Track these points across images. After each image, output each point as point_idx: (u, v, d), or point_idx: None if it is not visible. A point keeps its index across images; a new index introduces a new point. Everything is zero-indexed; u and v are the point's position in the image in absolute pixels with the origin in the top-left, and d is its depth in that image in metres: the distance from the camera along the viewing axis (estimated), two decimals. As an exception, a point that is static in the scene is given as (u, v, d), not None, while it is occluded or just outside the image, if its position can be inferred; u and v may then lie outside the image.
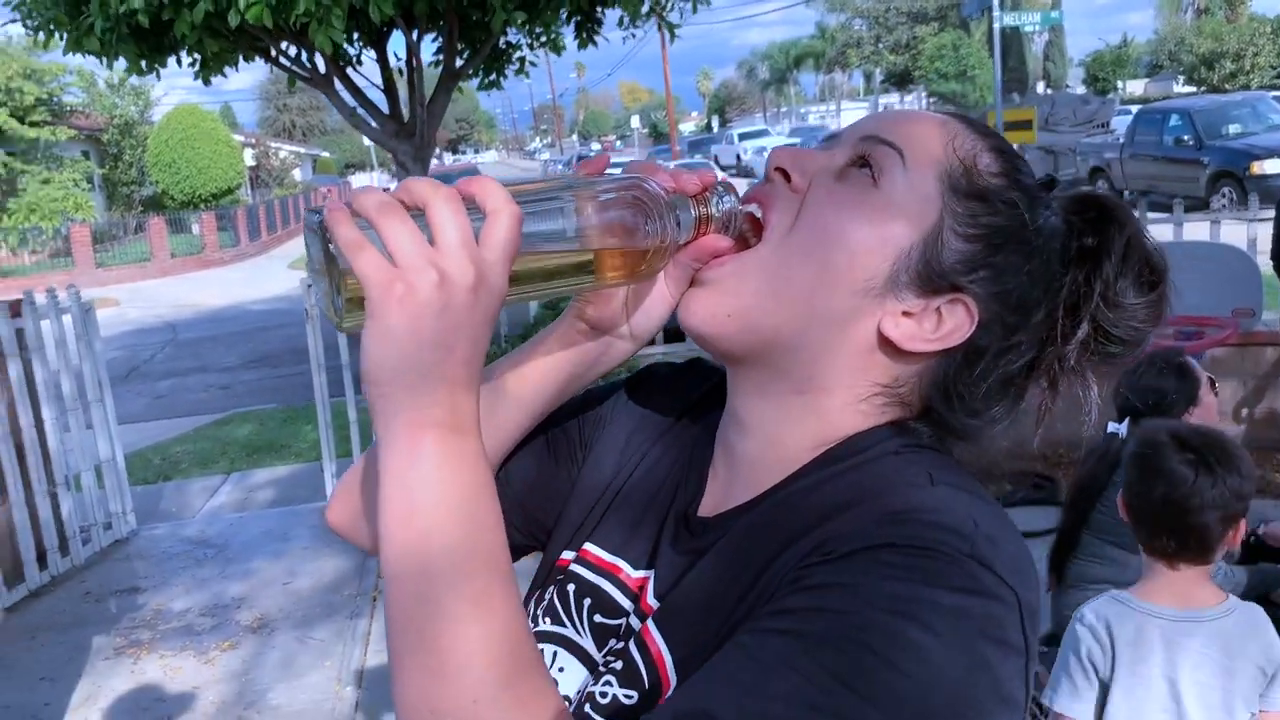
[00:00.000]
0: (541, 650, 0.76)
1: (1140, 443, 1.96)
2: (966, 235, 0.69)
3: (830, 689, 0.53)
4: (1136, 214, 5.22)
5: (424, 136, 7.43)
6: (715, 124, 61.30)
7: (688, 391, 0.88)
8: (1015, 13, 16.94)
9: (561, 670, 0.75)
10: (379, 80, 7.64)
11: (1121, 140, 16.21)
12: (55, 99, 24.29)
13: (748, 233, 0.72)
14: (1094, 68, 44.23)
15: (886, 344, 0.69)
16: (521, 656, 0.56)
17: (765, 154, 1.20)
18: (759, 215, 0.72)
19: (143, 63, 6.76)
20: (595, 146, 67.90)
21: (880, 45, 49.02)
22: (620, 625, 0.75)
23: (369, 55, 7.64)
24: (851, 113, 44.57)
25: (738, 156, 34.26)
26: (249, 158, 32.81)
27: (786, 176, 0.73)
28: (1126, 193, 14.70)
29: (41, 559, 4.61)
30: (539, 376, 0.80)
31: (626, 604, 0.76)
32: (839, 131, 0.77)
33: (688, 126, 70.56)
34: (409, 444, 0.58)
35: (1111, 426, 2.65)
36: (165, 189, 27.31)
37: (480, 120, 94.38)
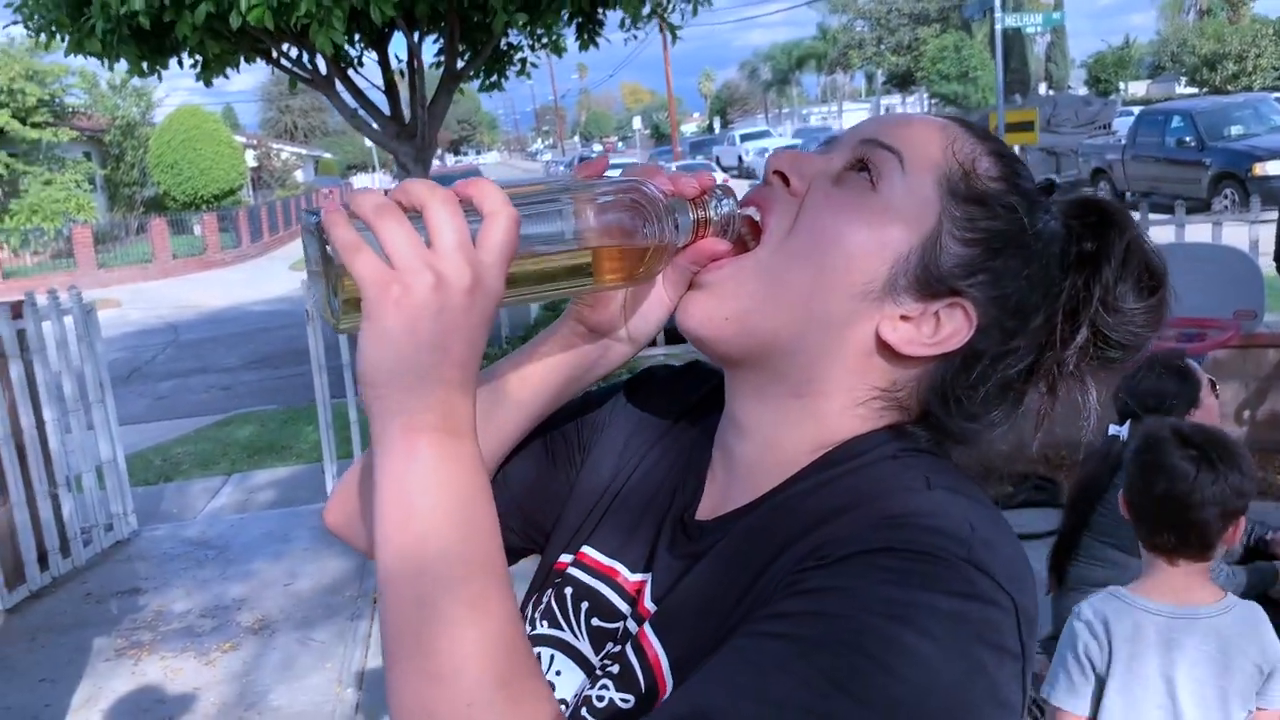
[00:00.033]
0: (539, 654, 0.76)
1: (1142, 439, 1.98)
2: (965, 239, 0.69)
3: (826, 693, 0.53)
4: (1138, 215, 5.21)
5: (425, 138, 7.44)
6: (717, 125, 61.36)
7: (686, 394, 0.88)
8: (1017, 14, 16.95)
9: (558, 674, 0.75)
10: (380, 82, 7.65)
11: (1123, 142, 16.21)
12: (57, 100, 24.31)
13: (746, 236, 0.72)
14: (1096, 69, 44.26)
15: (884, 348, 0.69)
16: (517, 660, 0.56)
17: (767, 155, 1.20)
18: (757, 218, 0.72)
19: (144, 64, 6.77)
20: (597, 148, 68.01)
21: (882, 46, 49.01)
22: (617, 629, 0.75)
23: (370, 57, 7.66)
24: (853, 114, 44.59)
25: (739, 158, 34.29)
26: (251, 159, 32.84)
27: (785, 180, 0.72)
28: (1128, 194, 14.71)
29: (42, 560, 4.61)
30: (537, 379, 0.80)
31: (624, 607, 0.76)
32: (838, 135, 0.77)
33: (690, 128, 70.59)
34: (405, 446, 0.58)
35: (1113, 429, 2.64)
36: (167, 190, 27.34)
37: (482, 121, 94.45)
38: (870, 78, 53.52)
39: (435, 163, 8.94)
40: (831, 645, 0.54)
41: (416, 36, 7.22)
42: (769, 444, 0.72)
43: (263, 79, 52.72)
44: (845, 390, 0.70)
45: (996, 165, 0.71)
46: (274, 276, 19.60)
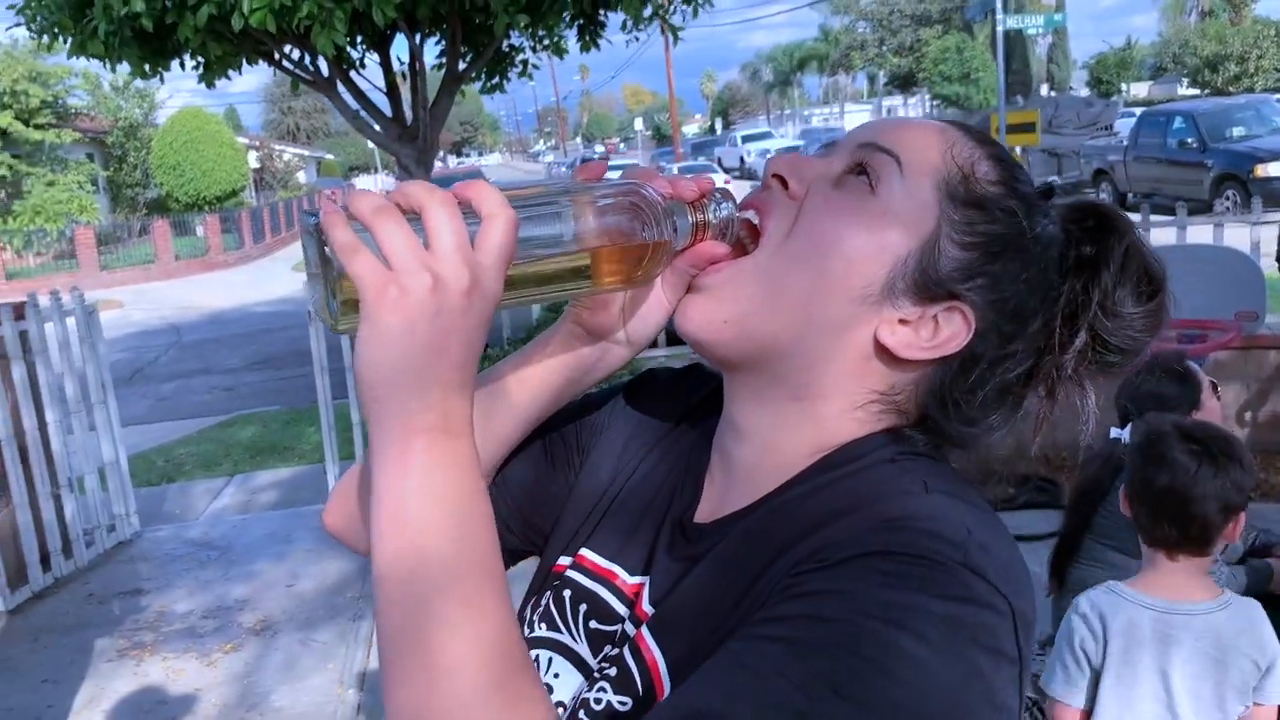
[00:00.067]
0: (537, 656, 0.76)
1: (1145, 434, 2.00)
2: (964, 243, 0.69)
3: (823, 696, 0.53)
4: (1140, 217, 5.20)
5: (427, 139, 7.45)
6: (719, 126, 61.37)
7: (686, 396, 0.88)
8: (1019, 15, 16.97)
9: (556, 676, 0.75)
10: (382, 83, 7.65)
11: (1125, 143, 16.20)
12: (60, 102, 24.35)
13: (745, 239, 0.72)
14: (1098, 70, 44.25)
15: (883, 351, 0.69)
16: (512, 661, 0.56)
17: (769, 156, 1.20)
18: (756, 222, 0.72)
19: (146, 66, 6.78)
20: (599, 149, 68.00)
21: (884, 48, 49.05)
22: (615, 631, 0.75)
23: (372, 58, 7.66)
24: (855, 115, 44.58)
25: (741, 159, 34.30)
26: (253, 160, 32.87)
27: (784, 183, 0.73)
28: (1130, 195, 14.70)
29: (45, 561, 4.62)
30: (536, 381, 0.81)
31: (622, 610, 0.76)
32: (837, 138, 0.77)
33: (691, 129, 70.62)
34: (401, 447, 0.58)
35: (1114, 432, 2.64)
36: (169, 191, 27.37)
37: (484, 123, 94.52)
38: (872, 79, 53.54)
39: (437, 164, 8.95)
40: (828, 648, 0.54)
41: (418, 38, 7.23)
42: (767, 447, 0.72)
43: (265, 80, 52.79)
44: (843, 394, 0.71)
45: (995, 169, 0.71)
46: (276, 278, 19.61)
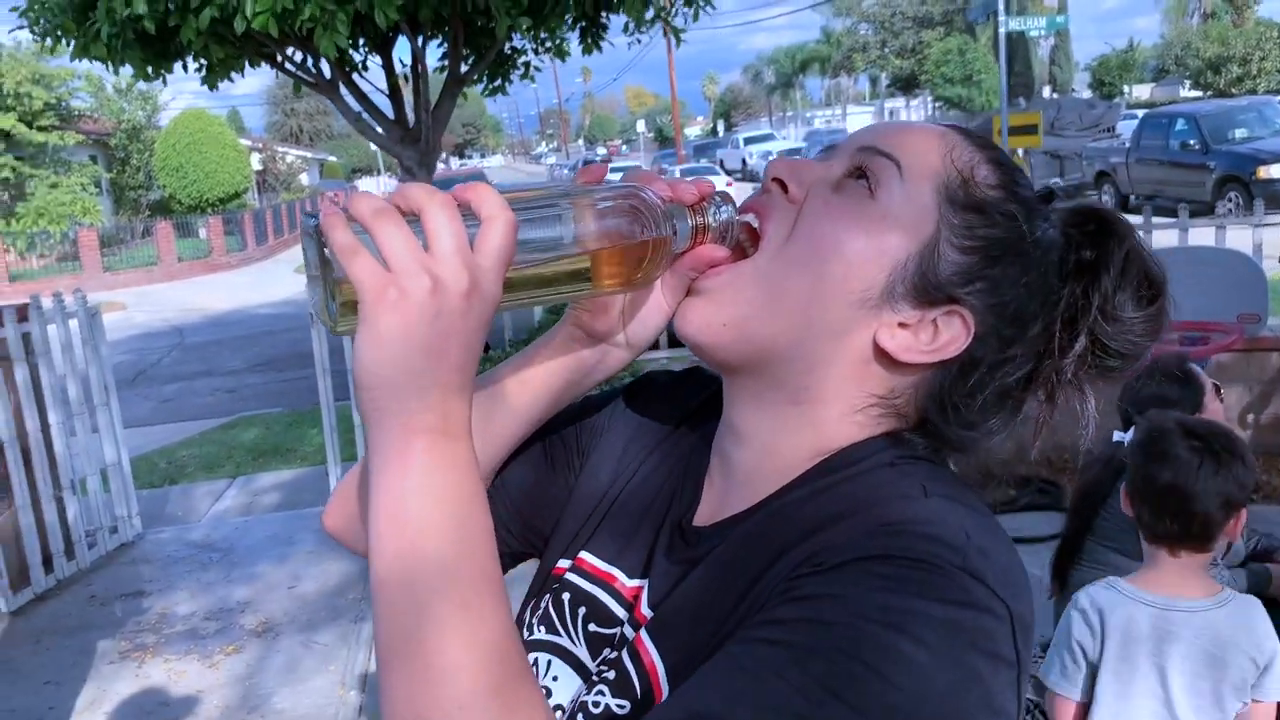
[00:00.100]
0: (536, 659, 0.76)
1: (1147, 430, 2.01)
2: (963, 247, 0.69)
3: (820, 699, 0.53)
4: (1142, 219, 5.18)
5: (429, 141, 7.44)
6: (721, 128, 61.45)
7: (686, 399, 0.88)
8: (1021, 17, 16.96)
9: (555, 679, 0.75)
10: (384, 85, 7.66)
11: (1127, 145, 16.18)
12: (63, 104, 24.38)
13: (745, 243, 0.72)
14: (1100, 72, 44.22)
15: (882, 355, 0.69)
16: (510, 664, 0.55)
17: (771, 158, 1.20)
18: (756, 225, 0.72)
19: (149, 68, 6.78)
20: (601, 150, 68.04)
21: (886, 50, 49.06)
22: (614, 634, 0.75)
23: (374, 61, 7.66)
24: (857, 117, 44.59)
25: (743, 160, 34.31)
26: (256, 162, 32.90)
27: (784, 187, 0.73)
28: (1132, 197, 14.69)
29: (47, 563, 4.62)
30: (536, 383, 0.81)
31: (621, 613, 0.76)
32: (837, 142, 0.77)
33: (693, 131, 70.68)
34: (400, 449, 0.57)
35: (1116, 435, 2.64)
36: (172, 193, 27.40)
37: (486, 125, 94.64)
38: (874, 81, 53.56)
39: (440, 166, 8.95)
40: (827, 652, 0.54)
41: (420, 41, 7.23)
42: (767, 450, 0.72)
43: (268, 82, 52.92)
44: (843, 397, 0.71)
45: (995, 173, 0.71)
46: (279, 279, 19.63)
